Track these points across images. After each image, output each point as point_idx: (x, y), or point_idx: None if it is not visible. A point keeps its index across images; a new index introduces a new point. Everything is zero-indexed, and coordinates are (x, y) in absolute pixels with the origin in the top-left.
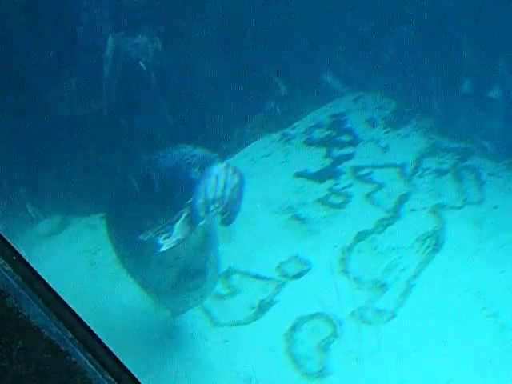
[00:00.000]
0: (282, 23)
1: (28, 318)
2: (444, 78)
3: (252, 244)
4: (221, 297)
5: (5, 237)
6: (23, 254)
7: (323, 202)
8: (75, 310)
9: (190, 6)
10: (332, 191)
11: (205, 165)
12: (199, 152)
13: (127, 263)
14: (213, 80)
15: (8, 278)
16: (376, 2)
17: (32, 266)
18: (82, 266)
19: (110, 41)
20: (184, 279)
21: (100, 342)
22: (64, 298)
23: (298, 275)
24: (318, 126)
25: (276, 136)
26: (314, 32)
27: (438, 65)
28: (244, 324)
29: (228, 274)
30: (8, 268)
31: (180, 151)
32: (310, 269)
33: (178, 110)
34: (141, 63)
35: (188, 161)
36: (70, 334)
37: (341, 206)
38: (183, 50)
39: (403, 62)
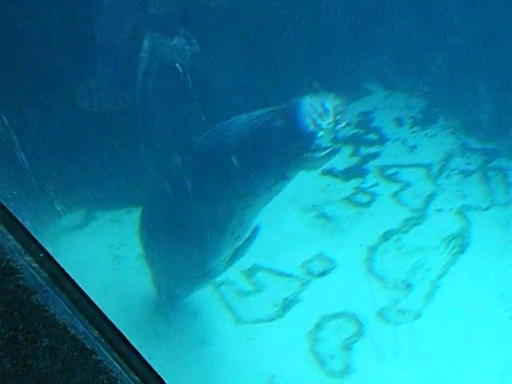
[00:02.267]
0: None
1: (54, 315)
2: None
3: (277, 241)
4: (245, 293)
5: (32, 234)
6: (50, 251)
7: (349, 200)
8: (101, 308)
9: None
10: (358, 190)
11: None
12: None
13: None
14: (246, 86)
15: (35, 274)
16: (426, 12)
17: (59, 263)
18: (106, 260)
19: (146, 42)
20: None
21: (126, 341)
22: (89, 295)
23: (323, 273)
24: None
25: None
26: (361, 37)
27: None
28: (267, 321)
29: (253, 270)
30: (35, 265)
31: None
32: (334, 267)
33: (213, 114)
34: (177, 65)
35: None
36: (95, 333)
37: (367, 204)
38: (222, 55)
39: (448, 69)
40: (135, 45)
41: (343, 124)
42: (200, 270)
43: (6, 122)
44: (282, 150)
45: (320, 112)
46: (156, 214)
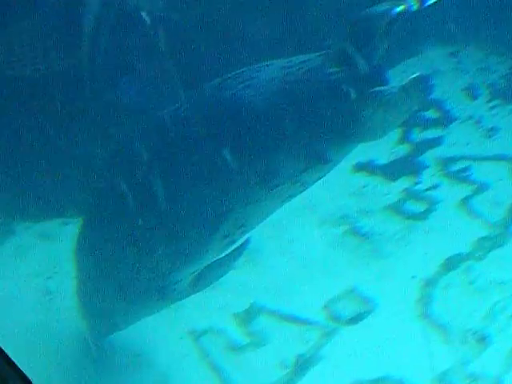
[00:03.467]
0: None
1: None
2: None
3: (288, 270)
4: (239, 348)
5: None
6: None
7: (396, 209)
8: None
9: None
10: (409, 194)
11: None
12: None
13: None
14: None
15: None
16: None
17: None
18: (31, 296)
19: None
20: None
21: None
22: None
23: (356, 319)
24: None
25: None
26: None
27: None
28: None
29: (251, 313)
30: None
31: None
32: (373, 310)
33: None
34: (143, 14)
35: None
36: None
37: (422, 216)
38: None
39: None
40: None
41: None
42: (157, 282)
43: None
44: (334, 111)
45: None
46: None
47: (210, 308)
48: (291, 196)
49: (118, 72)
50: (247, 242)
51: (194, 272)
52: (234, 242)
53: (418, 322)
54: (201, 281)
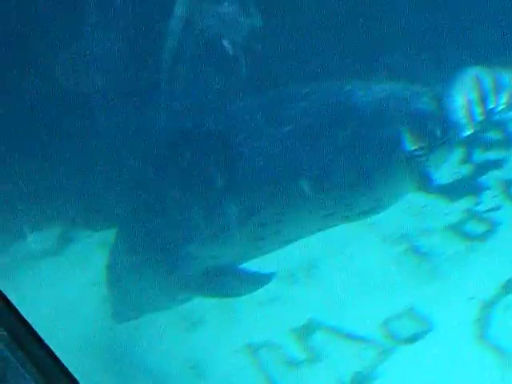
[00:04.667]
0: None
1: None
2: None
3: (346, 287)
4: (296, 363)
5: None
6: (14, 300)
7: (456, 230)
8: None
9: None
10: (470, 215)
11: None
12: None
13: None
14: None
15: None
16: None
17: (24, 316)
18: (90, 305)
19: (180, 5)
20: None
21: None
22: (66, 366)
23: (413, 338)
24: None
25: None
26: None
27: None
28: None
29: (308, 329)
30: None
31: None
32: (430, 330)
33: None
34: (225, 42)
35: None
36: None
37: (483, 237)
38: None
39: None
40: (159, 8)
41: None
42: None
43: None
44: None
45: (486, 91)
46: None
47: (267, 322)
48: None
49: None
50: (272, 275)
51: (212, 255)
52: (263, 238)
53: (477, 345)
54: (211, 282)
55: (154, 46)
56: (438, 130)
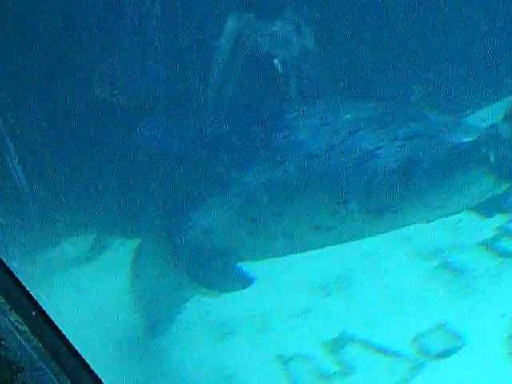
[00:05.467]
0: None
1: None
2: None
3: (379, 301)
4: (327, 376)
5: (21, 281)
6: (47, 308)
7: (490, 246)
8: None
9: None
10: (504, 231)
11: None
12: None
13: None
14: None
15: (23, 342)
16: None
17: (58, 326)
18: (124, 312)
19: (231, 23)
20: None
21: None
22: (100, 377)
23: (445, 354)
24: None
25: None
26: None
27: None
28: None
29: (340, 342)
30: (24, 328)
31: None
32: (462, 346)
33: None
34: (276, 62)
35: None
36: None
37: None
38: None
39: None
40: (210, 26)
41: None
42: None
43: None
44: None
45: None
46: None
47: (299, 334)
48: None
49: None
50: (252, 280)
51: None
52: (257, 220)
53: (507, 360)
54: (200, 264)
55: (201, 60)
56: None
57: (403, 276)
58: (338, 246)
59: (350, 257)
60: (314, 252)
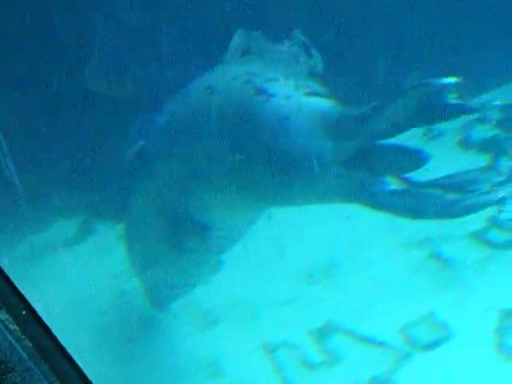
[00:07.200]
0: None
1: None
2: None
3: (365, 291)
4: (313, 365)
5: (10, 278)
6: (37, 307)
7: (479, 237)
8: None
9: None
10: (493, 222)
11: None
12: None
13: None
14: None
15: (13, 342)
16: None
17: (49, 326)
18: (108, 297)
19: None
20: None
21: None
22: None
23: (432, 345)
24: (482, 120)
25: (418, 130)
26: None
27: None
28: None
29: (326, 331)
30: (14, 327)
31: None
32: (449, 337)
33: None
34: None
35: None
36: None
37: (504, 245)
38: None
39: None
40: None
41: None
42: None
43: None
44: None
45: None
46: None
47: (285, 322)
48: None
49: None
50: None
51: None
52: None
53: (494, 354)
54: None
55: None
56: None
57: (391, 265)
58: (325, 234)
59: (337, 245)
60: (300, 240)
